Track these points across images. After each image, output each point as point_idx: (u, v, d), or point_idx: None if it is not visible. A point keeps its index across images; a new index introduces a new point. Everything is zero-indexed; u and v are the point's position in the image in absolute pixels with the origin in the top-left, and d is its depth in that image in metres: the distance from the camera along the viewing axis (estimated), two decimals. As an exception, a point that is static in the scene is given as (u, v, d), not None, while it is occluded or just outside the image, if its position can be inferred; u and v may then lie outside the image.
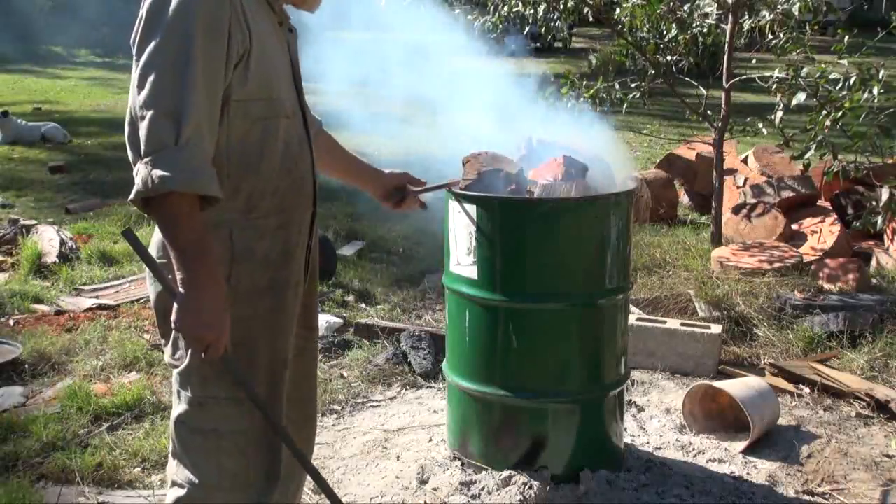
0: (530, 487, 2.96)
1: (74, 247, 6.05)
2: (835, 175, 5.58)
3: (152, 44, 1.83)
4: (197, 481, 2.06)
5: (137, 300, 5.19)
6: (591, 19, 6.46)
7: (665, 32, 6.31)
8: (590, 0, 6.13)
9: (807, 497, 3.15)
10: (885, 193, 5.39)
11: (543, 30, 6.42)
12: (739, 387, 3.58)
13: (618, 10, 6.12)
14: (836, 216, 6.27)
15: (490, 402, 3.07)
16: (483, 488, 3.02)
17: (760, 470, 3.32)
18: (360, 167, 2.73)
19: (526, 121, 3.73)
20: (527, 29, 6.61)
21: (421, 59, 4.14)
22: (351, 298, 5.31)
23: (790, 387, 4.05)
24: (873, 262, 5.88)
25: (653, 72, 6.23)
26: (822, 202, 6.62)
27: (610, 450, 3.18)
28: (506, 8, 6.31)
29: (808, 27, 5.81)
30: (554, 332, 3.00)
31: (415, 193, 2.78)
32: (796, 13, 5.59)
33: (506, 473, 3.02)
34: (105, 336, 4.58)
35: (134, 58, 1.88)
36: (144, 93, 1.81)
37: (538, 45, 16.77)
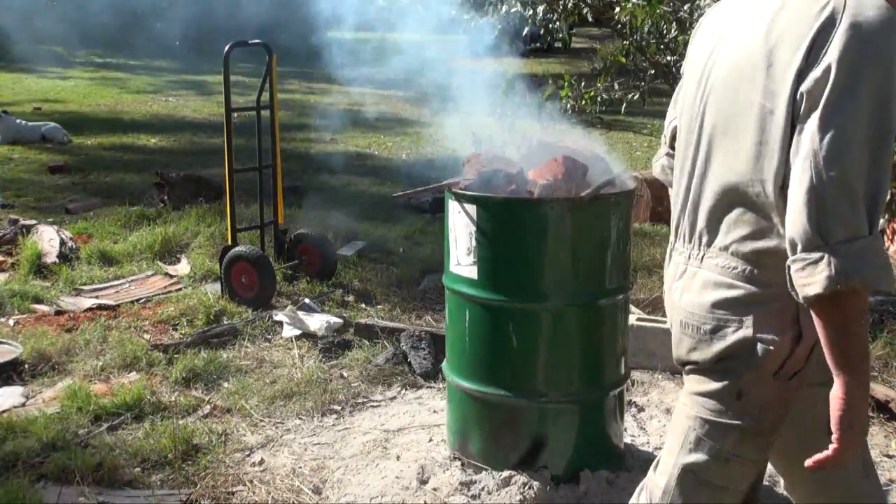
0: (530, 487, 2.96)
1: (74, 247, 6.05)
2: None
3: (850, 104, 1.59)
4: None
5: (137, 300, 5.19)
6: (590, 20, 6.46)
7: (665, 32, 6.30)
8: (589, 0, 6.12)
9: (807, 497, 3.15)
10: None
11: (543, 30, 6.42)
12: (739, 387, 3.58)
13: (617, 10, 6.11)
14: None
15: (490, 402, 3.07)
16: (483, 488, 3.02)
17: (760, 470, 3.32)
18: None
19: (525, 121, 3.73)
20: (526, 29, 6.60)
21: (422, 59, 4.14)
22: (351, 298, 5.31)
23: (790, 387, 4.05)
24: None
25: (653, 72, 6.23)
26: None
27: (610, 450, 3.18)
28: (504, 7, 6.30)
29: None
30: (554, 332, 3.00)
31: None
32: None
33: (506, 473, 3.02)
34: (105, 336, 4.58)
35: (816, 108, 1.62)
36: (839, 167, 1.58)
37: (538, 45, 16.79)
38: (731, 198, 1.84)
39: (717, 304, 1.87)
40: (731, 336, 1.85)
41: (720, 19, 1.94)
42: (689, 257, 1.96)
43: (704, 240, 1.91)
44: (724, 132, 1.84)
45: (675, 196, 2.04)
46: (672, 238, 2.05)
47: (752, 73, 1.75)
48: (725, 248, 1.87)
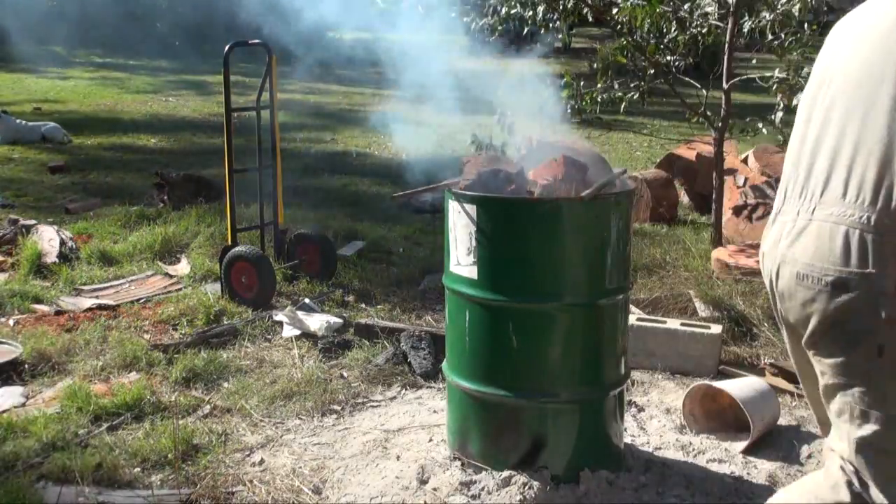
0: (530, 487, 2.96)
1: (74, 247, 6.05)
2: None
3: None
4: None
5: (137, 300, 5.19)
6: (590, 20, 6.46)
7: (665, 32, 6.30)
8: (589, 0, 6.12)
9: (807, 497, 3.15)
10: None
11: (543, 30, 6.42)
12: (739, 387, 3.58)
13: (615, 10, 6.11)
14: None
15: (490, 402, 3.07)
16: (483, 488, 3.02)
17: (760, 470, 3.32)
18: None
19: (527, 121, 3.73)
20: (525, 29, 6.61)
21: (422, 61, 4.15)
22: (351, 298, 5.31)
23: (790, 387, 4.05)
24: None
25: (652, 72, 6.23)
26: (822, 202, 6.60)
27: (610, 450, 3.18)
28: (504, 9, 6.31)
29: (807, 27, 5.80)
30: (554, 332, 3.00)
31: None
32: (797, 14, 5.59)
33: (506, 473, 3.02)
34: (105, 336, 4.58)
35: None
36: None
37: (538, 45, 16.79)
38: (857, 148, 1.93)
39: (838, 254, 1.92)
40: (855, 289, 1.90)
41: (847, 19, 2.13)
42: (799, 213, 2.03)
43: (818, 191, 1.98)
44: (853, 91, 1.97)
45: (788, 161, 2.14)
46: (779, 202, 2.13)
47: (885, 36, 1.92)
48: (843, 195, 1.93)
